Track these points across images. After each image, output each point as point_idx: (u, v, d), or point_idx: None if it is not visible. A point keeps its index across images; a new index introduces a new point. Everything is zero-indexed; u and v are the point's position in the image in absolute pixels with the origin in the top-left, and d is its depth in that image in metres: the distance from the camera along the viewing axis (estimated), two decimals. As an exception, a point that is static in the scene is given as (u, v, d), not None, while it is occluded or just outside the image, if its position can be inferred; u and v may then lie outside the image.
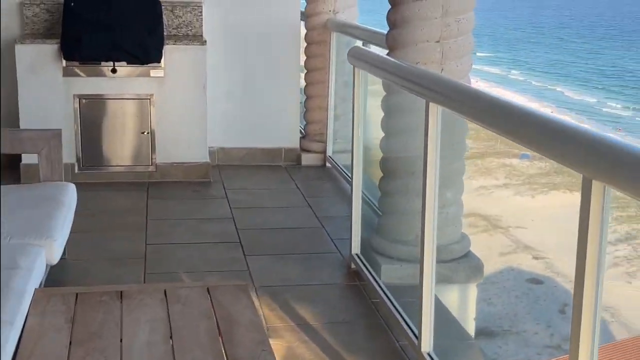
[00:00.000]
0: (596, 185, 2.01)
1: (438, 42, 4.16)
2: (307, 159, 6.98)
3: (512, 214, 74.19)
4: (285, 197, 6.16)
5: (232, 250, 4.96)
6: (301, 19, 7.12)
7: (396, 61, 4.08)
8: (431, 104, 3.26)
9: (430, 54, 4.16)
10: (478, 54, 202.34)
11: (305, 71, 7.10)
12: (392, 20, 4.27)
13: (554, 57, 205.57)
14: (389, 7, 4.31)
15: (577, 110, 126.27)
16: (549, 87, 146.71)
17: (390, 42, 4.29)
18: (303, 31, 7.12)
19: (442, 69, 4.21)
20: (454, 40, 4.20)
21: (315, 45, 6.91)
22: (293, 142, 7.05)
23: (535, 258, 64.13)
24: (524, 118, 2.52)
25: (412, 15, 4.14)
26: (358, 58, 4.38)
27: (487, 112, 2.88)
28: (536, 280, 59.04)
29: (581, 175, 2.06)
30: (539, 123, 2.41)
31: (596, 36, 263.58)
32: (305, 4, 7.03)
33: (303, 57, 7.15)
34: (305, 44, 7.07)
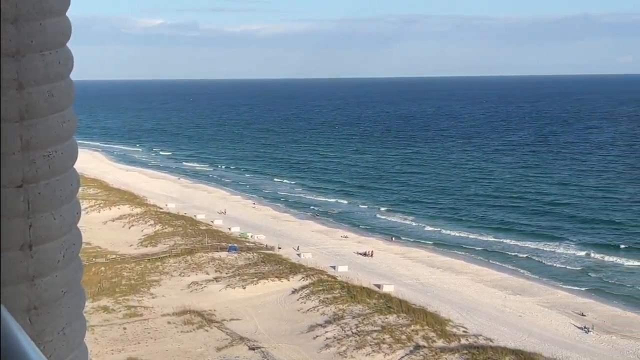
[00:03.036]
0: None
1: (20, 187, 2.86)
2: None
3: (225, 306, 73.05)
4: None
5: None
6: None
7: None
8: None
9: (9, 204, 2.84)
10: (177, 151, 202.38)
11: None
12: (-53, 157, 2.88)
13: (235, 152, 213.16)
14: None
15: (281, 200, 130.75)
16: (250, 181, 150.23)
17: (-53, 188, 2.89)
18: None
19: (31, 225, 2.90)
20: (46, 183, 2.91)
21: None
22: None
23: (252, 349, 63.19)
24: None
25: (-25, 149, 2.80)
26: None
27: None
28: (254, 371, 56.97)
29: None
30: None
31: (292, 129, 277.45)
32: None
33: None
34: None
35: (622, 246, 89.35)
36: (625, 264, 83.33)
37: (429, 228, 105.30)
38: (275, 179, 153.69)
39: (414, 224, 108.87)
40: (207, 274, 75.59)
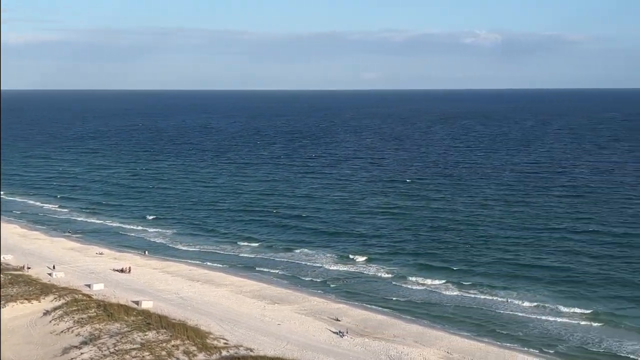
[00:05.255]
0: None
1: None
2: None
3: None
4: None
5: None
6: None
7: None
8: None
9: None
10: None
11: None
12: None
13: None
14: None
15: (29, 217, 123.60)
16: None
17: None
18: None
19: None
20: None
21: None
22: None
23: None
24: None
25: None
26: None
27: None
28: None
29: None
30: None
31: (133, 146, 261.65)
32: None
33: None
34: None
35: (367, 256, 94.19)
36: (371, 272, 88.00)
37: (184, 243, 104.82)
38: (19, 197, 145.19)
39: (170, 239, 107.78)
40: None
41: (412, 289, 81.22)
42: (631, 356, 61.38)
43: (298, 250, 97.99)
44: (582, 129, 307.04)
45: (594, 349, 62.85)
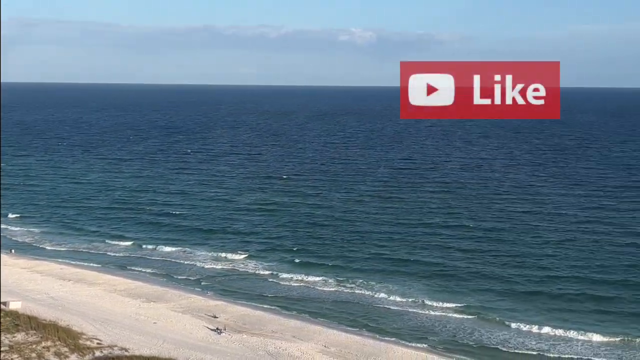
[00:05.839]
0: None
1: None
2: None
3: None
4: None
5: None
6: None
7: None
8: None
9: None
10: None
11: None
12: None
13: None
14: None
15: None
16: None
17: None
18: None
19: None
20: None
21: None
22: None
23: None
24: None
25: None
26: None
27: None
28: None
29: None
30: None
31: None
32: None
33: None
34: None
35: (244, 253, 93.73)
36: (248, 269, 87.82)
37: (53, 242, 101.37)
38: None
39: (39, 237, 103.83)
40: None
41: (289, 285, 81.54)
42: (499, 346, 63.89)
43: (173, 248, 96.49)
44: (453, 126, 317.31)
45: (465, 341, 65.07)
